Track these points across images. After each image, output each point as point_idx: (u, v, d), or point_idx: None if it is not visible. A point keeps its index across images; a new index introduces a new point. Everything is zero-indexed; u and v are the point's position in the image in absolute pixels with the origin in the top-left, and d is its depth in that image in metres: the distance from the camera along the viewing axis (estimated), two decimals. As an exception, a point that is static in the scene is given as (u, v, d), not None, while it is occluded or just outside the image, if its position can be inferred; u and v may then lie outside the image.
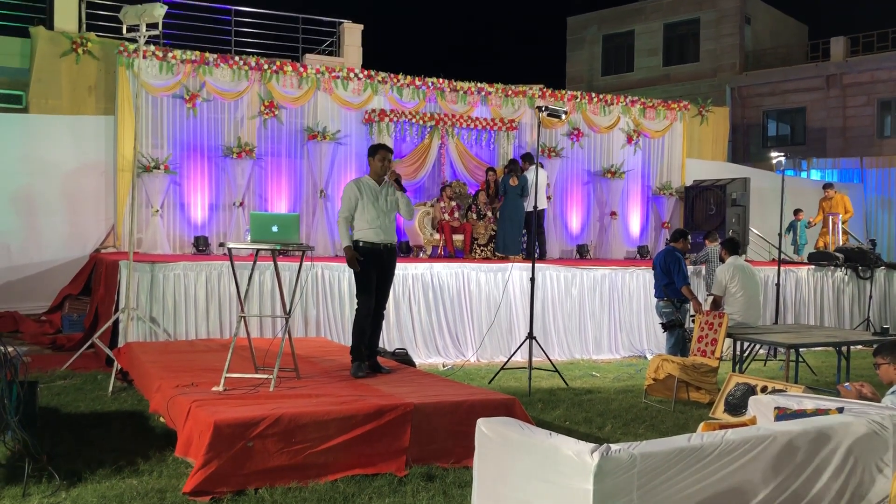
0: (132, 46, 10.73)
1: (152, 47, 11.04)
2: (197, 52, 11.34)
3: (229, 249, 6.15)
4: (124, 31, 8.25)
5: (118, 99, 10.90)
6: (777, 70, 22.97)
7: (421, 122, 12.39)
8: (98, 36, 11.34)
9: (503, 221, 11.75)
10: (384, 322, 7.03)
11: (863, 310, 12.77)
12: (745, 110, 23.48)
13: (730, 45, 23.82)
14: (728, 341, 8.73)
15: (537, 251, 11.36)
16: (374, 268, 6.47)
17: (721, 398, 7.11)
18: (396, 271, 7.07)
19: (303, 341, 8.44)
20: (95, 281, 9.86)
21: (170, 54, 11.08)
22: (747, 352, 8.83)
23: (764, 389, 6.67)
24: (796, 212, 14.54)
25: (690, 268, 11.09)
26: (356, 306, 6.61)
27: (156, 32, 8.21)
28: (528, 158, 12.44)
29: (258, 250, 6.22)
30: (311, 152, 12.08)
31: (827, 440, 4.00)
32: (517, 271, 10.39)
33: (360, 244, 6.43)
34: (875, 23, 23.22)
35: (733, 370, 8.27)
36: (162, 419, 5.76)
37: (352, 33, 15.76)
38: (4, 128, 10.61)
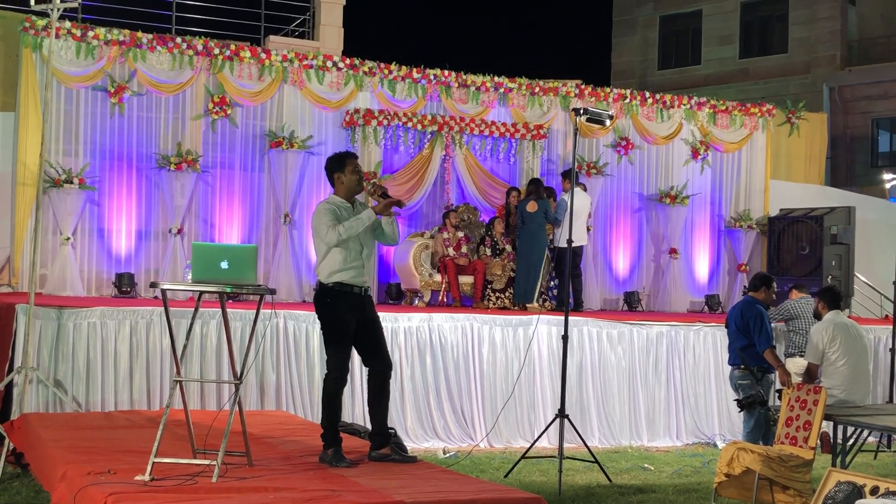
0: (41, 22, 10.84)
1: (68, 24, 11.16)
2: (126, 32, 11.45)
3: (163, 291, 6.15)
4: (32, 2, 8.36)
5: (21, 91, 10.99)
6: (891, 66, 23.15)
7: (419, 126, 12.48)
8: (-3, 8, 11.50)
9: (518, 259, 11.80)
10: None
11: None
12: (848, 117, 23.64)
13: (828, 31, 24.06)
14: (826, 425, 8.68)
15: (571, 300, 11.37)
16: (352, 315, 6.52)
17: (817, 501, 7.05)
18: (383, 324, 7.10)
19: (258, 416, 8.39)
20: (-17, 331, 9.85)
21: (91, 33, 11.20)
22: (852, 440, 8.77)
23: (875, 491, 6.62)
24: None
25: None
26: (326, 368, 6.63)
27: (74, 4, 8.32)
28: (570, 177, 12.47)
29: (201, 293, 6.22)
30: (273, 164, 12.15)
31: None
32: (545, 327, 10.36)
33: (331, 286, 6.48)
34: None
35: (833, 464, 8.20)
36: (67, 518, 5.71)
37: (330, 10, 15.98)
38: None
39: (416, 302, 11.86)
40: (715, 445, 10.61)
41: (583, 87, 13.90)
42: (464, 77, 13.09)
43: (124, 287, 11.03)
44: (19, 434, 7.60)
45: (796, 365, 10.09)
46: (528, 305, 11.60)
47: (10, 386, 8.36)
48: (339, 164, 6.69)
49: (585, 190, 12.86)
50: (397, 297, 12.25)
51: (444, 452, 9.43)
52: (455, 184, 12.94)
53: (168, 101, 11.73)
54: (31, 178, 10.75)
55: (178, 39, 11.72)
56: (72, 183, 11.06)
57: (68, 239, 11.04)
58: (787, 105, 15.62)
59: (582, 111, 8.70)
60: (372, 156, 12.16)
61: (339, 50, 15.25)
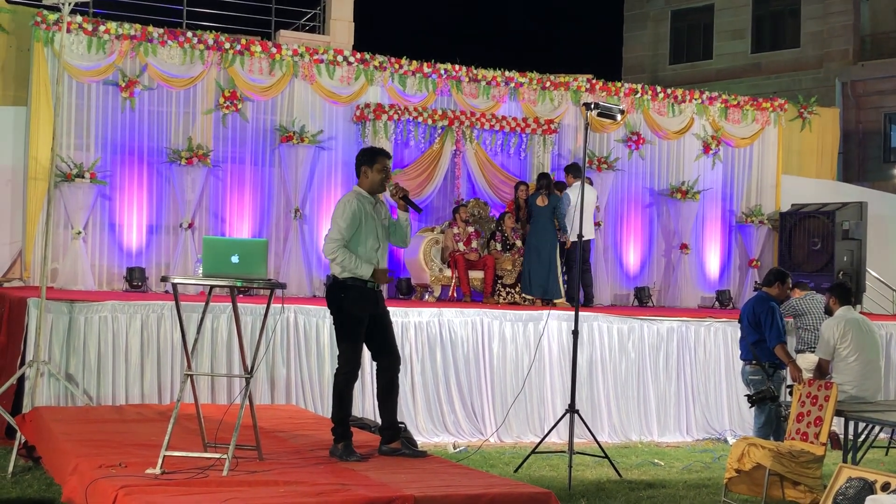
0: (53, 17, 10.89)
1: (79, 18, 11.21)
2: (138, 26, 11.49)
3: (174, 286, 6.18)
4: (44, -4, 8.39)
5: (32, 85, 11.04)
6: (904, 60, 23.03)
7: (430, 121, 12.48)
8: (8, 2, 11.52)
9: (528, 254, 11.80)
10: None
11: None
12: (860, 112, 23.54)
13: (841, 26, 23.95)
14: (837, 422, 8.66)
15: (581, 295, 11.36)
16: (365, 311, 6.56)
17: (828, 497, 7.04)
18: (393, 318, 7.12)
19: (269, 410, 8.43)
20: (-5, 324, 9.89)
21: (102, 28, 11.24)
22: (863, 435, 8.75)
23: (886, 487, 6.61)
24: None
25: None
26: (338, 363, 6.65)
27: (85, -1, 8.34)
28: (573, 171, 12.46)
29: (212, 287, 6.24)
30: (283, 159, 12.17)
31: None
32: (555, 322, 10.36)
33: (344, 280, 6.52)
34: None
35: (844, 460, 8.19)
36: (78, 511, 5.74)
37: (341, 5, 15.96)
38: None
39: (427, 297, 11.87)
40: (725, 441, 10.60)
41: (594, 81, 13.88)
42: (474, 72, 13.09)
43: (135, 281, 11.07)
44: (31, 427, 7.64)
45: (807, 361, 10.07)
46: (556, 301, 11.59)
47: (21, 379, 8.40)
48: (370, 159, 6.75)
49: (591, 183, 12.83)
50: (407, 291, 12.26)
51: (454, 447, 9.44)
52: (465, 179, 12.94)
53: (179, 95, 11.76)
54: (42, 173, 10.80)
55: (189, 34, 11.75)
56: (83, 177, 11.10)
57: (79, 233, 11.09)
58: (799, 100, 15.58)
59: (593, 106, 8.68)
60: (382, 150, 12.16)
61: (349, 44, 15.24)
